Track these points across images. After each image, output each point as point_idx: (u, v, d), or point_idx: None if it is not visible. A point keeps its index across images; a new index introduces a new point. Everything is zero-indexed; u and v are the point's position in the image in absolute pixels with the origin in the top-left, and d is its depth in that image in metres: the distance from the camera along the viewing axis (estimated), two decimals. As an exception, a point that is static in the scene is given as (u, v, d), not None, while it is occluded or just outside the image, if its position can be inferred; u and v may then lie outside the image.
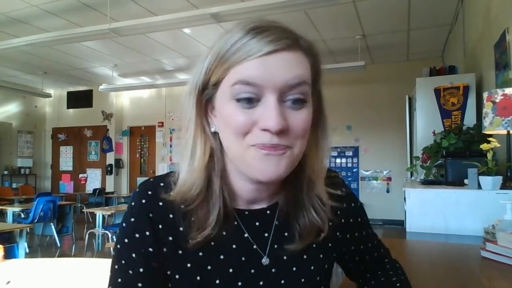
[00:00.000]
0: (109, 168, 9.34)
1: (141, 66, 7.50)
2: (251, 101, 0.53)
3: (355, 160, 7.55)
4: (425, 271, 1.07)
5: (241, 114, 0.53)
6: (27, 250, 4.65)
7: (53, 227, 5.51)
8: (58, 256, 4.87)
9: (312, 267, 0.65)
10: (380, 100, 7.18)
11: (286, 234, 0.64)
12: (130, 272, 0.58)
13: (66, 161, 9.97)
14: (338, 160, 7.64)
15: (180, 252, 0.59)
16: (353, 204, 0.72)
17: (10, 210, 5.49)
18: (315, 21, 5.24)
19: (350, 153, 7.58)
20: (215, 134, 0.60)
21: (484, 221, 1.62)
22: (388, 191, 7.29)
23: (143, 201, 0.60)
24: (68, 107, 9.92)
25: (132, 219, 0.59)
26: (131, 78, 8.39)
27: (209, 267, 0.60)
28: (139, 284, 0.58)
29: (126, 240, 0.59)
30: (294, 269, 0.63)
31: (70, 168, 9.89)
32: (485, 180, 1.76)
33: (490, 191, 1.74)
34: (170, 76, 8.16)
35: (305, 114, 0.55)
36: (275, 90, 0.52)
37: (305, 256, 0.65)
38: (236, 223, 0.62)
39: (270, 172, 0.54)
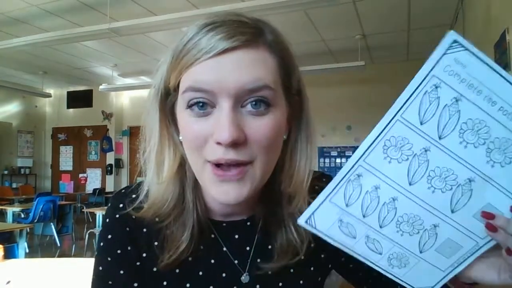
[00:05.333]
0: (109, 168, 9.33)
1: (141, 66, 7.50)
2: (204, 107, 0.46)
3: (355, 160, 7.54)
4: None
5: (194, 124, 0.47)
6: (27, 250, 4.65)
7: (53, 227, 5.51)
8: (58, 256, 4.87)
9: (301, 281, 0.59)
10: (380, 100, 7.16)
11: (269, 247, 0.57)
12: None
13: (66, 161, 9.96)
14: (338, 160, 7.64)
15: (154, 269, 0.54)
16: None
17: (10, 210, 5.49)
18: (315, 21, 5.23)
19: (350, 153, 7.57)
20: None
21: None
22: (388, 191, 7.29)
23: (117, 215, 0.55)
24: (68, 107, 9.91)
25: (110, 236, 0.55)
26: (131, 78, 8.39)
27: (188, 285, 0.55)
28: None
29: (109, 259, 0.54)
30: (281, 284, 0.58)
31: (70, 168, 9.88)
32: (485, 180, 1.76)
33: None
34: (170, 76, 8.15)
35: (270, 120, 0.46)
36: (229, 96, 0.45)
37: (292, 270, 0.58)
38: (213, 236, 0.56)
39: (229, 197, 0.47)
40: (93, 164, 9.67)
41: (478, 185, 0.43)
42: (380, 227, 0.45)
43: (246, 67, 0.45)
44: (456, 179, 0.42)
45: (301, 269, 0.59)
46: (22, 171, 9.31)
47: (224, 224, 0.57)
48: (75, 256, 4.94)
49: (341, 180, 0.42)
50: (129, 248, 0.54)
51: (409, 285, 0.48)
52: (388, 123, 0.40)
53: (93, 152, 9.74)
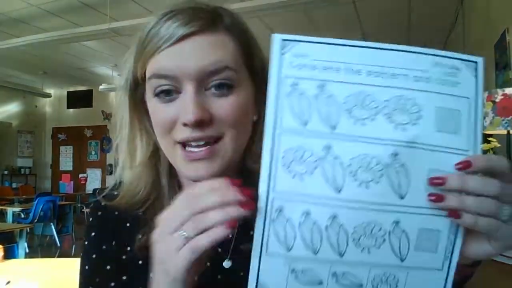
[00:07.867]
0: (109, 168, 9.34)
1: (141, 66, 7.50)
2: (170, 94, 0.48)
3: (355, 160, 7.55)
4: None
5: (161, 110, 0.49)
6: (27, 250, 4.65)
7: (53, 227, 5.51)
8: (58, 256, 4.87)
9: None
10: (380, 100, 7.17)
11: (251, 232, 0.55)
12: (112, 284, 0.53)
13: (66, 161, 9.97)
14: (338, 160, 7.65)
15: (140, 262, 0.53)
16: None
17: (10, 210, 5.49)
18: (315, 21, 5.24)
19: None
20: None
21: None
22: (388, 191, 7.29)
23: (99, 213, 0.57)
24: (68, 107, 9.92)
25: (93, 233, 0.56)
26: (131, 78, 8.39)
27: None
28: None
29: (94, 256, 0.55)
30: None
31: (70, 168, 9.88)
32: (485, 180, 1.76)
33: (490, 191, 1.73)
34: (170, 76, 8.15)
35: (234, 98, 0.48)
36: (191, 80, 0.47)
37: None
38: None
39: (200, 174, 0.48)
40: (93, 164, 9.67)
41: (407, 156, 0.36)
42: (341, 255, 0.36)
43: (205, 51, 0.47)
44: (380, 161, 0.36)
45: None
46: (22, 171, 9.31)
47: None
48: (75, 256, 4.93)
49: (263, 226, 0.35)
50: (113, 243, 0.55)
51: None
52: (273, 141, 0.35)
53: (93, 152, 9.74)
